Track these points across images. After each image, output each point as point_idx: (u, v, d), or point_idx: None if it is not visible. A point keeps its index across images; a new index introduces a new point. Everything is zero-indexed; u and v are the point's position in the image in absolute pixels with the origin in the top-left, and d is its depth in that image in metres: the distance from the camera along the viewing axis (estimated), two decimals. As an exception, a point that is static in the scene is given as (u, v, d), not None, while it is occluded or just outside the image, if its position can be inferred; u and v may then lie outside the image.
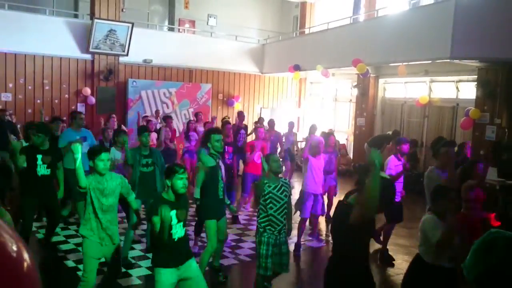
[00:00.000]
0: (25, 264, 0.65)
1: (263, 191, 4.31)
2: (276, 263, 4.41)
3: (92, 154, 3.93)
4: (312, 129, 9.83)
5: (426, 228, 3.45)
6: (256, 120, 12.30)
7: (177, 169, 3.56)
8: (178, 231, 3.55)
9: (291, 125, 10.79)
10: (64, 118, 9.78)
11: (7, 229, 0.67)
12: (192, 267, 3.67)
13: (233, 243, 6.46)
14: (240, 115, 10.95)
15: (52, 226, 5.77)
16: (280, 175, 4.58)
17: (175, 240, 3.53)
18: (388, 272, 5.84)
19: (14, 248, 0.66)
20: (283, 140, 10.51)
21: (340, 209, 3.12)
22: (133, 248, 5.95)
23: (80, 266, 5.27)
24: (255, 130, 8.02)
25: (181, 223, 3.58)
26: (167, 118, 9.63)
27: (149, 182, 5.66)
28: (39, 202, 5.52)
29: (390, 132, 11.07)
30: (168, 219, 3.34)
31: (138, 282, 5.06)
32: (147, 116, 11.38)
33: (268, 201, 4.30)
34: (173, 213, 3.47)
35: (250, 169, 7.63)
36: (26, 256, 0.66)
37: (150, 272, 5.28)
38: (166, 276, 3.51)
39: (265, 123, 10.81)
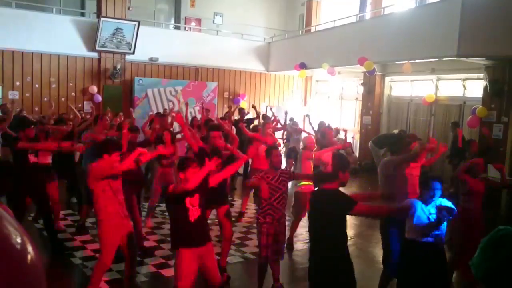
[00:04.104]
0: (29, 257, 0.65)
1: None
2: (273, 251, 4.58)
3: (110, 149, 4.28)
4: (321, 125, 9.78)
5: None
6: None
7: (190, 163, 3.78)
8: (194, 213, 3.76)
9: (295, 123, 10.78)
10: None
11: (11, 221, 0.67)
12: (211, 253, 3.91)
13: (239, 241, 6.47)
14: (241, 111, 11.00)
15: (45, 217, 5.87)
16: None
17: (192, 221, 3.76)
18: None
19: (18, 240, 0.66)
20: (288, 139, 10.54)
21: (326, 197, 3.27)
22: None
23: (87, 263, 5.33)
24: (263, 126, 8.02)
25: (195, 207, 3.77)
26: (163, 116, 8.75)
27: None
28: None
29: (396, 131, 11.02)
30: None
31: (144, 279, 5.08)
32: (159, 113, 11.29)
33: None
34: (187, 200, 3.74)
35: (257, 164, 7.60)
36: (30, 248, 0.66)
37: (155, 270, 5.30)
38: (187, 256, 3.71)
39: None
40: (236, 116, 11.04)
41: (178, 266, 3.75)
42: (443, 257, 3.81)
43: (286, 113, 10.69)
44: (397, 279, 4.05)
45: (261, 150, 7.54)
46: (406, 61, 10.25)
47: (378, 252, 6.13)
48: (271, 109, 10.83)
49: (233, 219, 7.33)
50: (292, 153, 10.53)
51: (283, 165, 5.33)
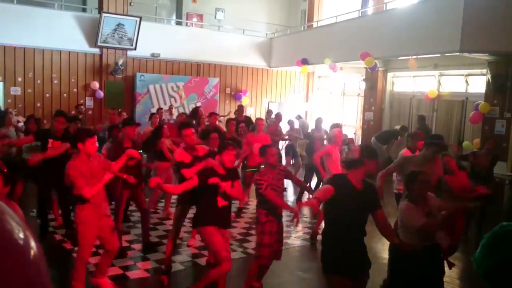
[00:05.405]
0: (32, 252, 0.65)
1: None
2: (273, 251, 4.51)
3: (83, 136, 4.14)
4: (318, 122, 9.70)
5: (404, 216, 3.73)
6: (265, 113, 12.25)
7: (227, 146, 4.09)
8: (223, 199, 4.07)
9: (291, 123, 10.57)
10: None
11: (14, 216, 0.67)
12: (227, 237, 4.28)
13: (241, 237, 6.47)
14: (240, 108, 10.88)
15: (65, 210, 6.04)
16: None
17: (219, 206, 4.06)
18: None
19: (21, 235, 0.65)
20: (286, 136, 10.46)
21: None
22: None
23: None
24: (256, 123, 7.95)
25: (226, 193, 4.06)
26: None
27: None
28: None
29: (398, 127, 11.00)
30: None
31: (146, 274, 5.09)
32: (161, 109, 11.38)
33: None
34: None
35: (251, 162, 7.55)
36: (33, 243, 0.66)
37: (158, 265, 5.31)
38: (213, 230, 4.02)
39: (273, 116, 10.77)
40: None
41: (211, 242, 3.99)
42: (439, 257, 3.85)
43: (299, 117, 10.64)
44: (392, 277, 4.08)
45: (255, 148, 7.50)
46: (408, 57, 10.21)
47: (380, 248, 6.13)
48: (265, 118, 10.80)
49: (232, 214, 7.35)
50: (290, 151, 10.53)
51: (283, 162, 5.29)
